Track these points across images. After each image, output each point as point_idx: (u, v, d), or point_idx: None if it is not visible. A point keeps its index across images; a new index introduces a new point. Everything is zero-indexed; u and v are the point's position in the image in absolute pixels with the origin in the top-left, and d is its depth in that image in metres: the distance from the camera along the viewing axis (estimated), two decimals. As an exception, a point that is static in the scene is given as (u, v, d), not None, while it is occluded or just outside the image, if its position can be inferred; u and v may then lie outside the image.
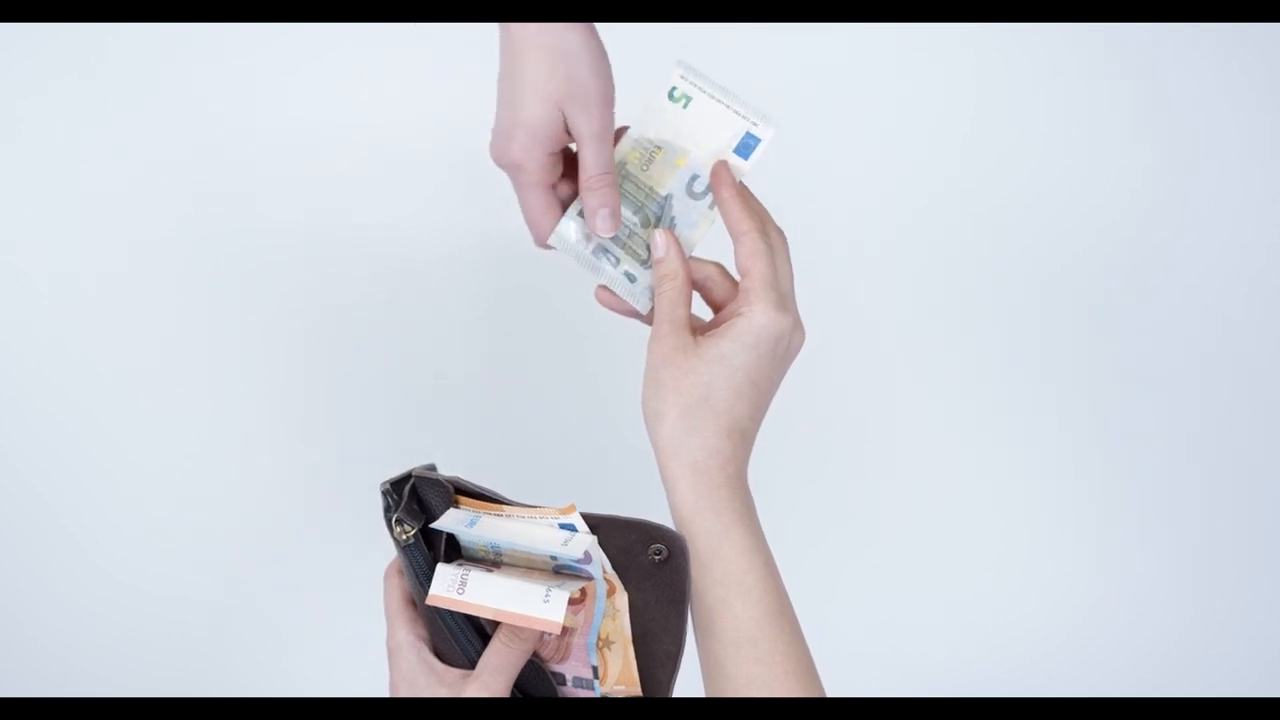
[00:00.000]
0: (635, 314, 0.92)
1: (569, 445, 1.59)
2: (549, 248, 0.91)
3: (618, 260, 0.90)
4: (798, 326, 0.86)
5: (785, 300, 0.86)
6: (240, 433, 1.53)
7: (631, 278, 0.91)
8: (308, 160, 1.51)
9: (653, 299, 0.90)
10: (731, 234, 0.87)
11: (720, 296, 0.90)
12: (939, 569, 1.64)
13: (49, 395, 1.49)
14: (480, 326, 1.56)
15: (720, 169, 0.89)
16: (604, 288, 0.92)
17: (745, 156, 0.90)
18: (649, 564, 0.82)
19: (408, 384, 1.56)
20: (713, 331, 0.85)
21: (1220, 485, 1.64)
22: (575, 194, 0.89)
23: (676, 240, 0.89)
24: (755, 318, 0.84)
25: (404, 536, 0.82)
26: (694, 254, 0.91)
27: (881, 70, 1.59)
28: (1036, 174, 1.60)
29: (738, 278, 0.88)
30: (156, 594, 1.51)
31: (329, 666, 1.53)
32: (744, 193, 0.89)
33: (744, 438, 0.85)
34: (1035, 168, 1.60)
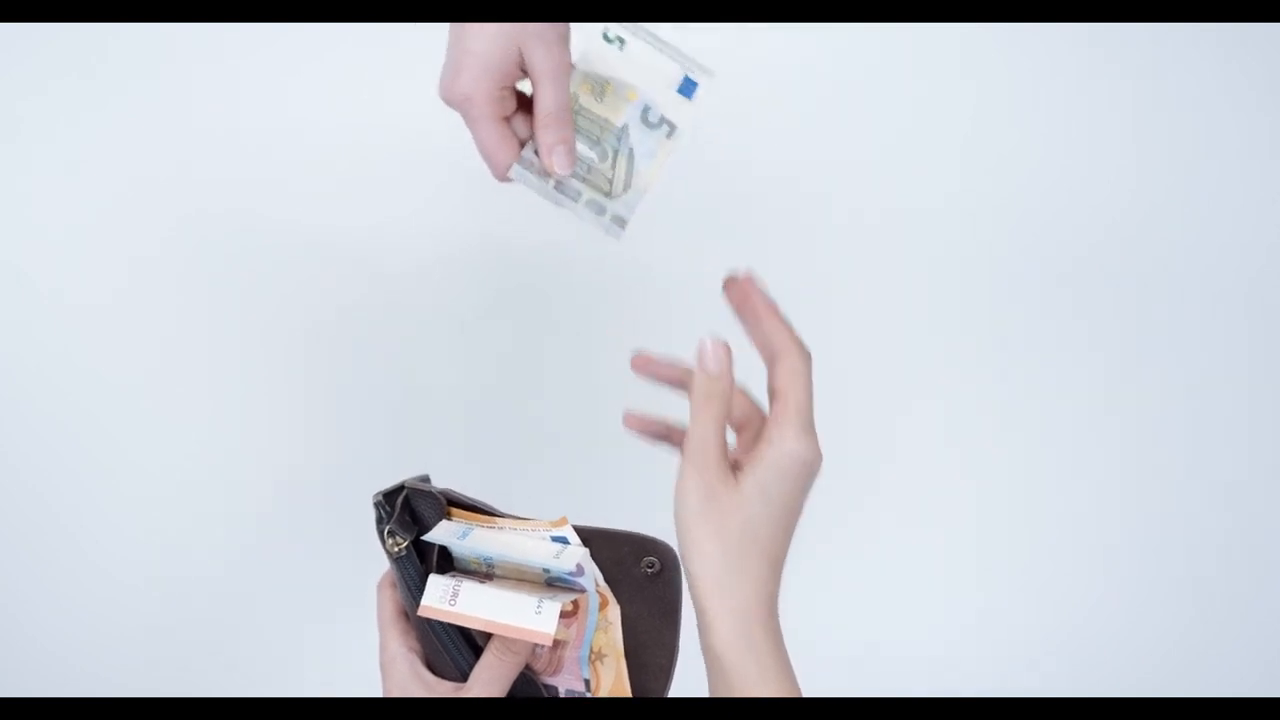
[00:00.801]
0: (666, 439, 0.90)
1: (565, 450, 1.59)
2: (508, 180, 0.89)
3: (579, 194, 0.89)
4: (818, 449, 0.83)
5: (811, 423, 0.82)
6: (239, 435, 1.53)
7: (598, 208, 0.89)
8: (309, 161, 1.51)
9: (622, 224, 0.89)
10: (771, 349, 0.83)
11: (741, 416, 0.87)
12: (939, 569, 1.64)
13: (49, 396, 1.49)
14: (480, 327, 1.56)
15: (747, 285, 0.85)
16: (631, 414, 0.90)
17: (689, 96, 0.90)
18: (641, 577, 0.82)
19: (408, 387, 1.55)
20: (750, 462, 0.82)
21: (1220, 486, 1.64)
22: (531, 131, 0.88)
23: (730, 353, 0.83)
24: (789, 444, 0.80)
25: (396, 549, 0.82)
26: (652, 193, 0.90)
27: (880, 72, 1.58)
28: (1037, 176, 1.59)
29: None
30: (157, 594, 1.52)
31: (327, 669, 1.53)
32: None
33: (779, 565, 0.83)
34: (1035, 170, 1.59)
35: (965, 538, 1.65)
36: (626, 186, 0.89)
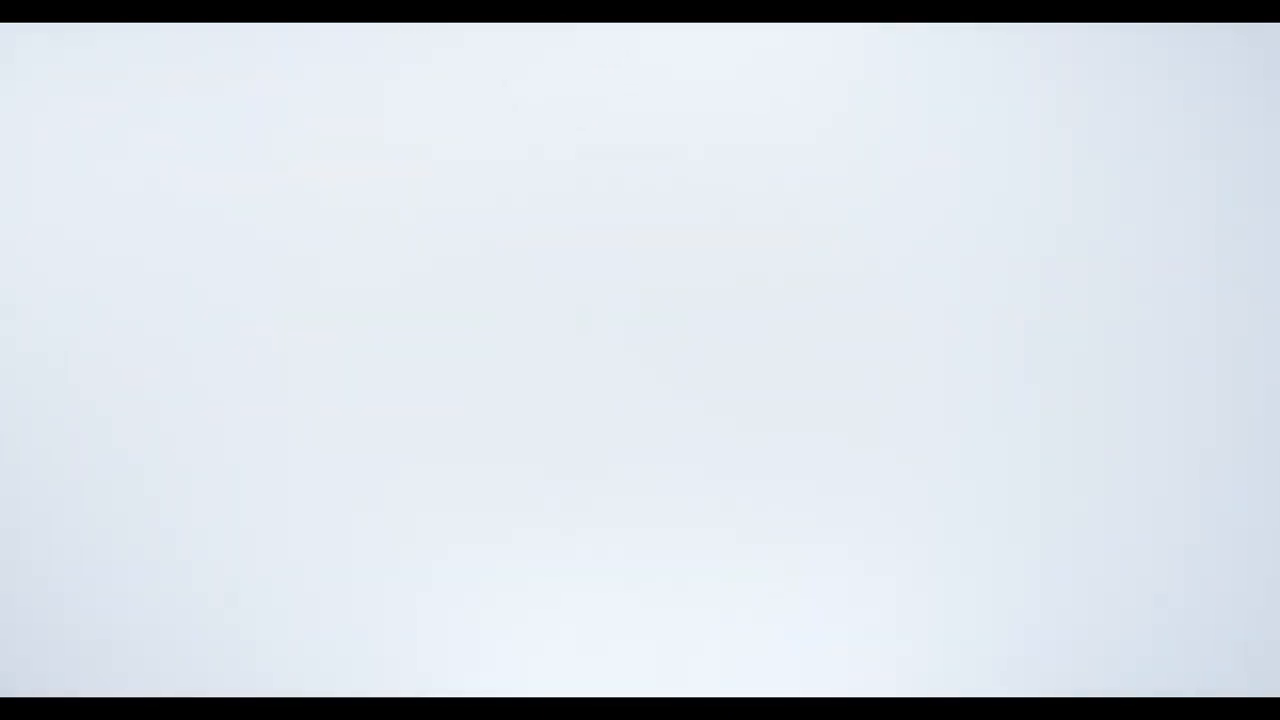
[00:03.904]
0: None
1: (568, 446, 1.58)
2: None
3: None
4: None
5: None
6: (239, 440, 1.53)
7: None
8: (314, 165, 1.51)
9: None
10: None
11: None
12: (941, 569, 1.64)
13: (56, 399, 1.49)
14: (482, 328, 1.56)
15: None
16: None
17: None
18: None
19: (411, 391, 1.55)
20: None
21: (1220, 487, 1.64)
22: None
23: None
24: None
25: None
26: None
27: (879, 74, 1.58)
28: (1039, 178, 1.59)
29: None
30: (157, 595, 1.51)
31: (329, 668, 1.53)
32: None
33: None
34: (1036, 173, 1.59)
35: (967, 538, 1.64)
36: None
